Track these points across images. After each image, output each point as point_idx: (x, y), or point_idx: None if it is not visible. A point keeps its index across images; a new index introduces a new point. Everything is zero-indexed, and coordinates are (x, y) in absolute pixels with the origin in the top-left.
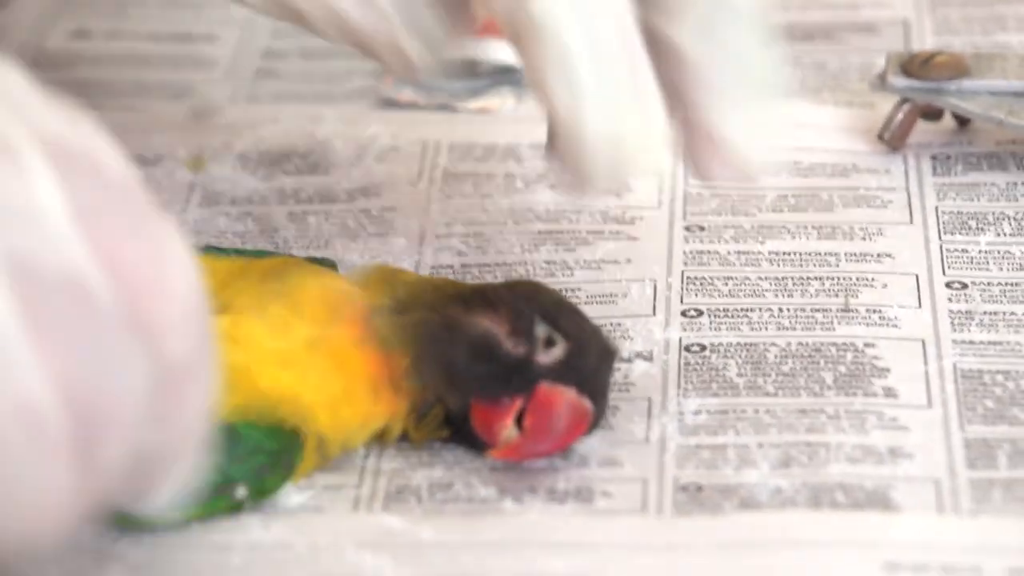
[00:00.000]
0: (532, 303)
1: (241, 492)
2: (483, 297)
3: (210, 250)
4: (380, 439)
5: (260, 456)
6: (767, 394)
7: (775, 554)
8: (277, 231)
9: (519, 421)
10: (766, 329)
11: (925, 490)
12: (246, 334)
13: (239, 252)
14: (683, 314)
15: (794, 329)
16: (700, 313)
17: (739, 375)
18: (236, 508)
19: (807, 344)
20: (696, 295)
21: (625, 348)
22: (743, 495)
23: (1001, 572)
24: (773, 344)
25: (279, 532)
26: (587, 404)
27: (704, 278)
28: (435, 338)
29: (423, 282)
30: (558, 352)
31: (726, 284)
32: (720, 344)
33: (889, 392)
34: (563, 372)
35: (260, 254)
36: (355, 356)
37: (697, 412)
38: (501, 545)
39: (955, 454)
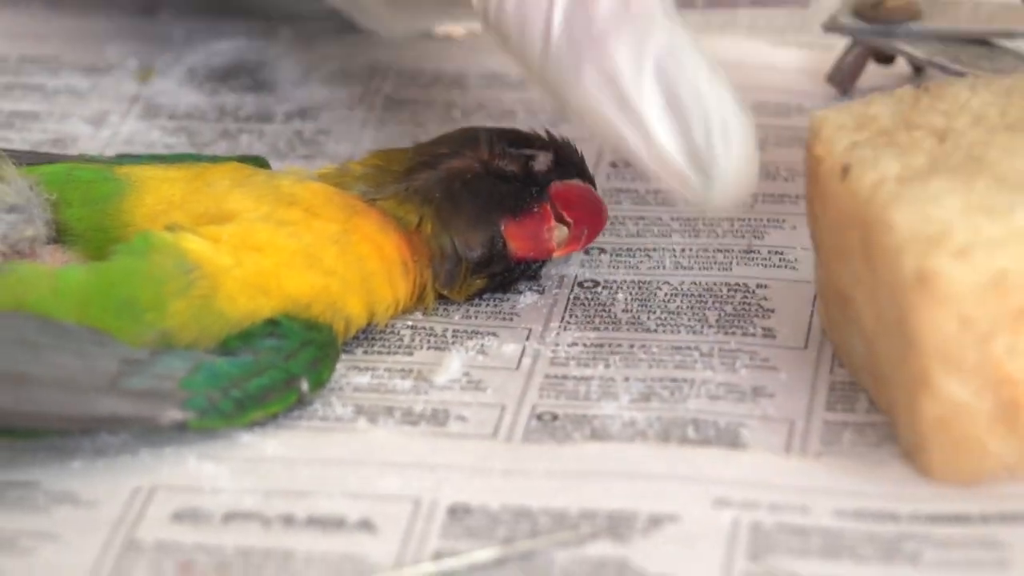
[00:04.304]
0: (494, 133)
1: (305, 385)
2: (451, 144)
3: (131, 158)
4: (423, 308)
5: (311, 349)
6: (648, 330)
7: (609, 484)
8: (207, 146)
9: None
10: (663, 268)
11: (778, 430)
12: (266, 241)
13: (158, 158)
14: (586, 252)
15: (691, 269)
16: (603, 251)
17: (624, 311)
18: (300, 402)
19: (700, 283)
20: (604, 235)
21: (521, 284)
22: (595, 426)
23: (827, 513)
24: (666, 282)
25: (126, 437)
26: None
27: (616, 217)
28: (447, 191)
29: (383, 161)
30: (547, 159)
31: (636, 224)
32: (614, 281)
33: (768, 333)
34: (561, 172)
35: (183, 157)
36: (380, 241)
37: (572, 344)
38: (340, 462)
39: (817, 396)
